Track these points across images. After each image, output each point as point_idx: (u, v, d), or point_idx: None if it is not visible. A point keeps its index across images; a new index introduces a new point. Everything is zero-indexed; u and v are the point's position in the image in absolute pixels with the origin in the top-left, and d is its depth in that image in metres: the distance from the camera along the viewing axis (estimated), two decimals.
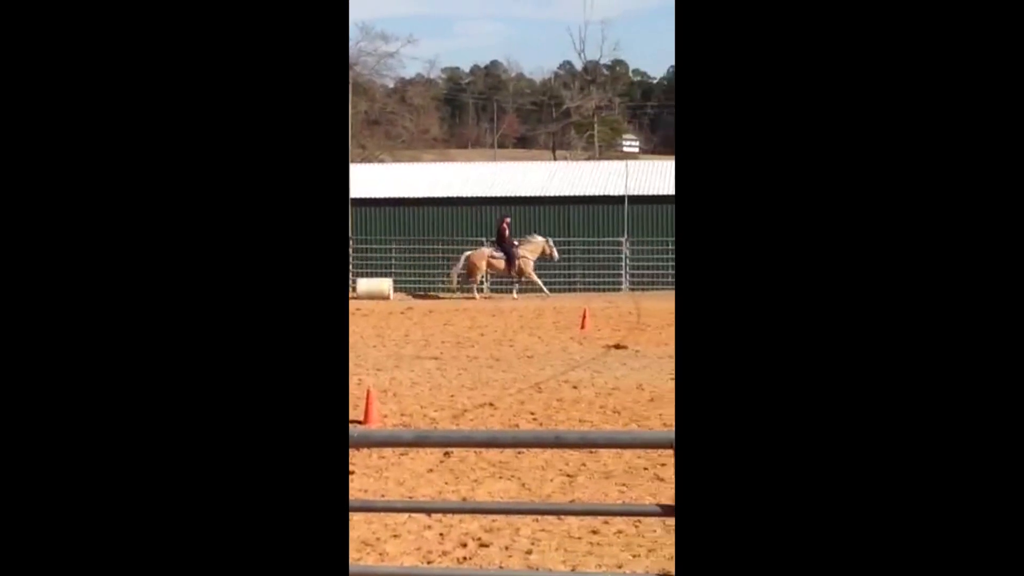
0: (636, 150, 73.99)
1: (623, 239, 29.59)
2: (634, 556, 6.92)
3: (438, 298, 28.33)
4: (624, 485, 8.80)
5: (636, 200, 30.20)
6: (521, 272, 28.22)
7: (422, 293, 29.26)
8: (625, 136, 78.27)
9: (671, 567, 4.93)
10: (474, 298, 27.81)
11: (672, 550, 5.27)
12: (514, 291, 28.41)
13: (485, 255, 28.39)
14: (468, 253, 28.63)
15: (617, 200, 30.22)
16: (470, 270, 28.42)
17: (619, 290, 29.00)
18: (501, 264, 28.30)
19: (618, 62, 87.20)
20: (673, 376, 14.36)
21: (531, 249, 28.28)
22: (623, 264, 29.68)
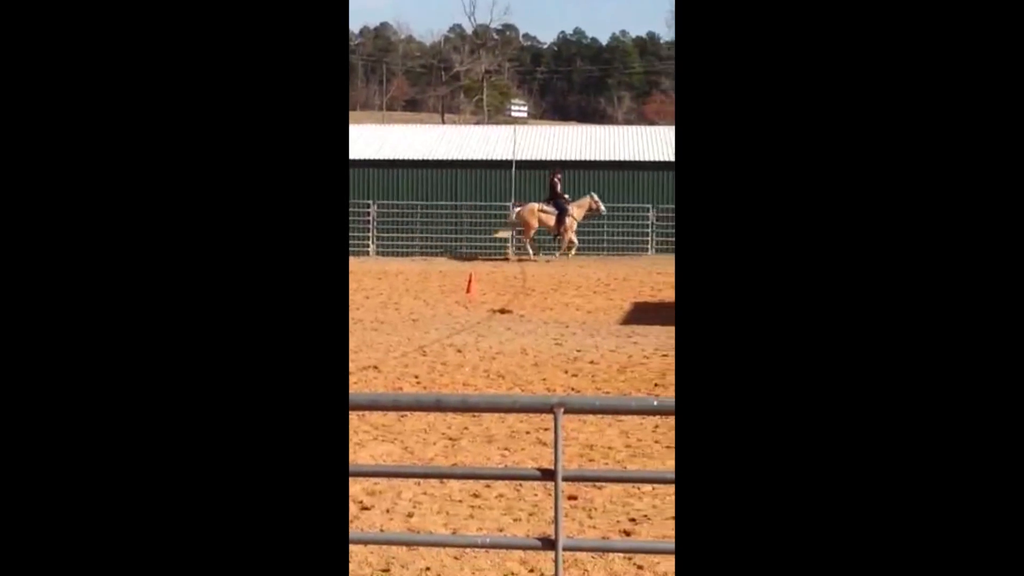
0: (524, 115, 74.10)
1: (510, 204, 29.61)
2: (515, 520, 6.95)
3: (489, 259, 27.97)
4: (506, 449, 8.83)
5: (523, 165, 30.24)
6: (566, 230, 27.85)
7: (470, 255, 28.72)
8: (514, 101, 78.34)
9: (551, 531, 4.95)
10: (530, 257, 27.43)
11: (551, 514, 5.30)
12: (558, 252, 28.03)
13: (535, 210, 27.83)
14: (517, 209, 28.11)
15: (505, 164, 30.22)
16: (523, 226, 27.90)
17: (504, 256, 29.04)
18: (551, 220, 27.78)
19: (508, 26, 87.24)
20: (556, 341, 14.51)
21: (579, 206, 27.94)
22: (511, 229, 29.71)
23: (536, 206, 27.89)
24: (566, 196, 27.91)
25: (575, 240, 27.85)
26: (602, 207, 27.87)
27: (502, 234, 28.22)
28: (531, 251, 27.84)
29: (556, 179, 27.99)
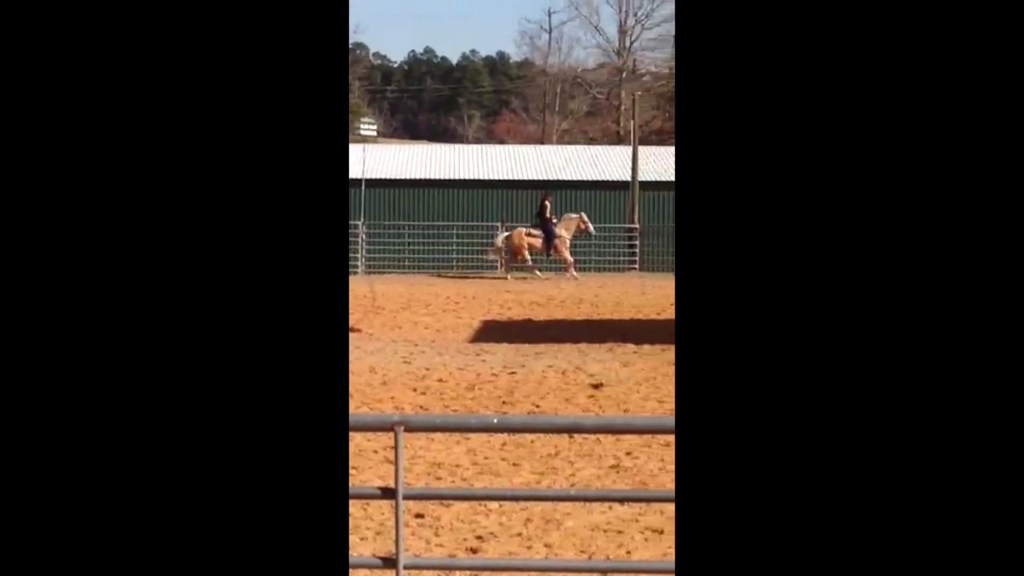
0: (374, 133, 73.80)
1: (359, 222, 29.45)
2: (361, 539, 6.91)
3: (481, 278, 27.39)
4: (354, 468, 8.76)
5: (373, 184, 30.12)
6: (556, 251, 27.39)
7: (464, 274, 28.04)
8: (363, 119, 77.97)
9: (394, 548, 4.93)
10: (530, 277, 27.08)
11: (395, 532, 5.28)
12: (536, 270, 27.54)
13: (523, 234, 27.42)
14: (507, 234, 27.68)
15: (354, 184, 30.05)
16: (515, 251, 27.39)
17: (355, 273, 28.85)
18: (538, 243, 27.37)
19: (359, 45, 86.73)
20: (405, 359, 14.47)
21: (566, 227, 27.50)
22: (359, 247, 29.55)
23: (523, 231, 27.71)
24: (554, 220, 27.69)
25: (569, 258, 27.64)
26: (591, 227, 27.67)
27: (493, 257, 27.98)
28: (504, 271, 27.63)
29: (547, 202, 27.76)
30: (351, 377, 13.19)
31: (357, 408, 11.45)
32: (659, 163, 31.86)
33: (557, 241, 27.54)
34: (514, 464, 8.83)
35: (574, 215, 28.01)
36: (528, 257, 27.69)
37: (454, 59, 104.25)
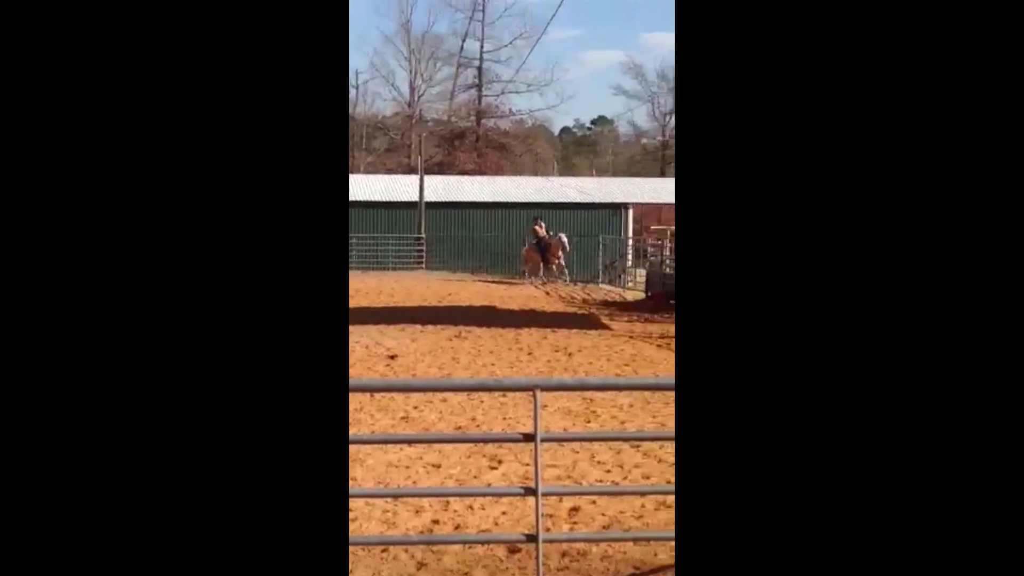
0: None
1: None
2: None
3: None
4: None
5: None
6: (552, 260, 25.36)
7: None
8: None
9: None
10: (558, 279, 25.06)
11: None
12: (560, 279, 25.32)
13: (531, 249, 25.48)
14: (525, 249, 25.85)
15: None
16: (532, 265, 25.38)
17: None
18: (539, 258, 25.44)
19: None
20: None
21: (556, 245, 25.41)
22: None
23: (531, 247, 26.05)
24: (548, 235, 25.77)
25: (558, 267, 25.58)
26: (566, 244, 25.46)
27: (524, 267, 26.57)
28: (552, 275, 25.49)
29: (537, 226, 25.88)
30: None
31: None
32: (440, 188, 32.10)
33: (549, 255, 25.80)
34: None
35: (556, 236, 26.10)
36: (538, 267, 25.95)
37: None
